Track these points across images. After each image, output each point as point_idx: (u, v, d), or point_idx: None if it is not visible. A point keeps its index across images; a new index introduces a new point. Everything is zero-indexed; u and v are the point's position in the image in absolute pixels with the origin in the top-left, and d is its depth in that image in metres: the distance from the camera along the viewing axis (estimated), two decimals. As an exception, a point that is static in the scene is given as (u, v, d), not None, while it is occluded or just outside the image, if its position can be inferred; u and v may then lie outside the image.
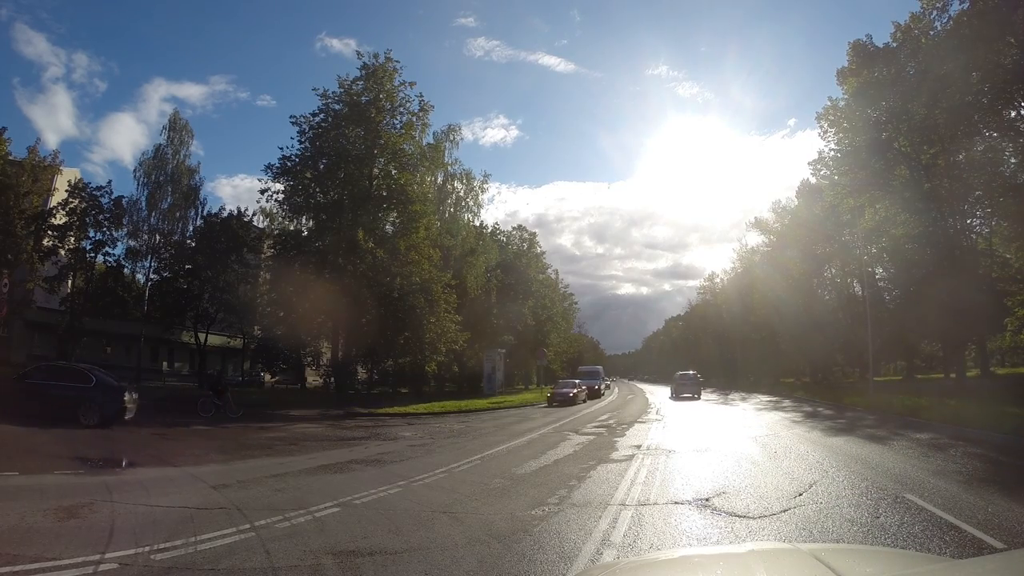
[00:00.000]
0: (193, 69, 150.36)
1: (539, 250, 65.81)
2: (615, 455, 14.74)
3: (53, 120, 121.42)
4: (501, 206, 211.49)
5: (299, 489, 10.20)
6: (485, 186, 48.96)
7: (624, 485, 10.51)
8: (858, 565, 2.47)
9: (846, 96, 36.73)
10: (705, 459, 13.86)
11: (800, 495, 9.51)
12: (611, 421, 26.27)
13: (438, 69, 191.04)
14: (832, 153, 38.94)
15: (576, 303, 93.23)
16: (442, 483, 10.99)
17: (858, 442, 16.91)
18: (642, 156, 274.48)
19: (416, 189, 35.92)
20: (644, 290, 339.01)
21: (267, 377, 47.72)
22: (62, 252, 35.32)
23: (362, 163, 34.05)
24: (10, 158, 33.20)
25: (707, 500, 9.28)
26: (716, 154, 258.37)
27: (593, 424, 24.65)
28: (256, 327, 38.63)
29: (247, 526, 7.49)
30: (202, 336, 40.45)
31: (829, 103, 37.65)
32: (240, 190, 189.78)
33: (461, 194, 47.71)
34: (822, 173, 42.28)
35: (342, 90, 34.19)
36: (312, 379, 44.69)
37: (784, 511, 8.46)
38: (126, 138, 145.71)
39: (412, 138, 36.06)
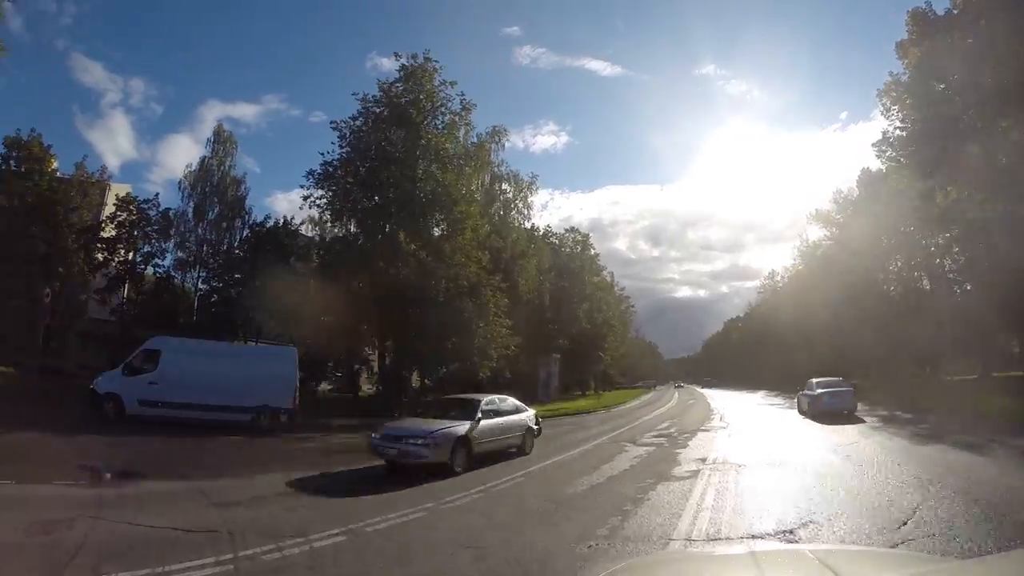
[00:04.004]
0: (246, 89, 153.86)
1: (593, 252, 63.92)
2: (677, 471, 13.03)
3: (113, 143, 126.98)
4: (555, 212, 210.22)
5: (311, 509, 9.16)
6: (534, 187, 47.51)
7: (689, 511, 8.87)
8: (859, 566, 2.54)
9: (907, 70, 34.11)
10: (781, 476, 12.06)
11: (904, 524, 7.78)
12: (672, 430, 24.43)
13: (487, 79, 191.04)
14: (897, 132, 36.21)
15: (633, 306, 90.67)
16: (475, 505, 9.59)
17: (952, 451, 14.84)
18: (693, 156, 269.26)
19: (461, 190, 34.78)
20: (701, 292, 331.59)
21: (322, 385, 47.16)
22: (113, 264, 35.57)
23: (404, 165, 33.04)
24: (57, 175, 33.55)
25: (792, 532, 7.56)
26: (767, 151, 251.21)
27: (652, 433, 22.84)
28: (305, 336, 38.01)
29: (229, 556, 6.60)
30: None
31: (890, 78, 35.07)
32: (296, 204, 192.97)
33: (509, 196, 46.39)
34: (887, 154, 39.51)
35: (382, 93, 33.33)
36: (367, 387, 44.04)
37: (891, 548, 6.71)
38: (183, 158, 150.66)
39: (455, 138, 34.99)
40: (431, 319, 31.00)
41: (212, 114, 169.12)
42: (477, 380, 41.02)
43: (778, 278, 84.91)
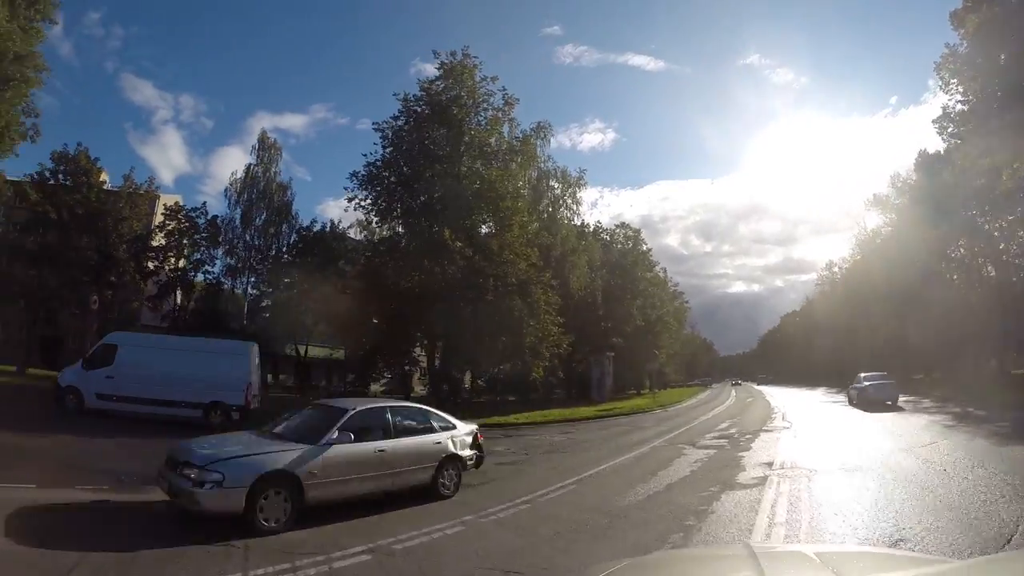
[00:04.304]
0: (293, 100, 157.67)
1: (645, 247, 62.24)
2: (742, 477, 11.91)
3: (166, 158, 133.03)
4: (605, 209, 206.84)
5: (337, 522, 8.39)
6: (582, 182, 46.44)
7: (760, 527, 7.86)
8: (859, 566, 2.62)
9: (964, 40, 32.20)
10: (858, 483, 10.77)
11: (1009, 540, 6.75)
12: (732, 430, 23.10)
13: (530, 80, 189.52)
14: (957, 107, 34.53)
15: (687, 302, 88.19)
16: (519, 519, 8.75)
17: (1041, 452, 13.31)
18: (742, 149, 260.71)
19: (507, 186, 34.09)
20: (756, 287, 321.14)
21: (374, 387, 47.19)
22: (164, 271, 36.60)
23: (448, 162, 32.79)
24: (105, 187, 34.68)
25: (883, 553, 6.48)
26: (817, 141, 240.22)
27: (712, 435, 21.58)
28: (353, 337, 37.94)
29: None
30: (303, 348, 40.38)
31: (947, 50, 33.38)
32: (349, 211, 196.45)
33: (558, 192, 45.43)
34: (948, 131, 37.53)
35: (422, 92, 33.19)
36: (419, 389, 43.76)
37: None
38: (241, 174, 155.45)
39: (499, 133, 34.64)
40: (480, 318, 30.39)
41: (261, 126, 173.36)
42: (531, 379, 40.33)
43: (835, 269, 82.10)
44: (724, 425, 25.63)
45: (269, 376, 47.27)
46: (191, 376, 20.04)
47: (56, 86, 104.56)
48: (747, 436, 20.44)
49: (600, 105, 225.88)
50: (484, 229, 34.84)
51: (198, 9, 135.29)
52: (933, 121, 38.34)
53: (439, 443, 10.53)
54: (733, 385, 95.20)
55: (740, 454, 15.64)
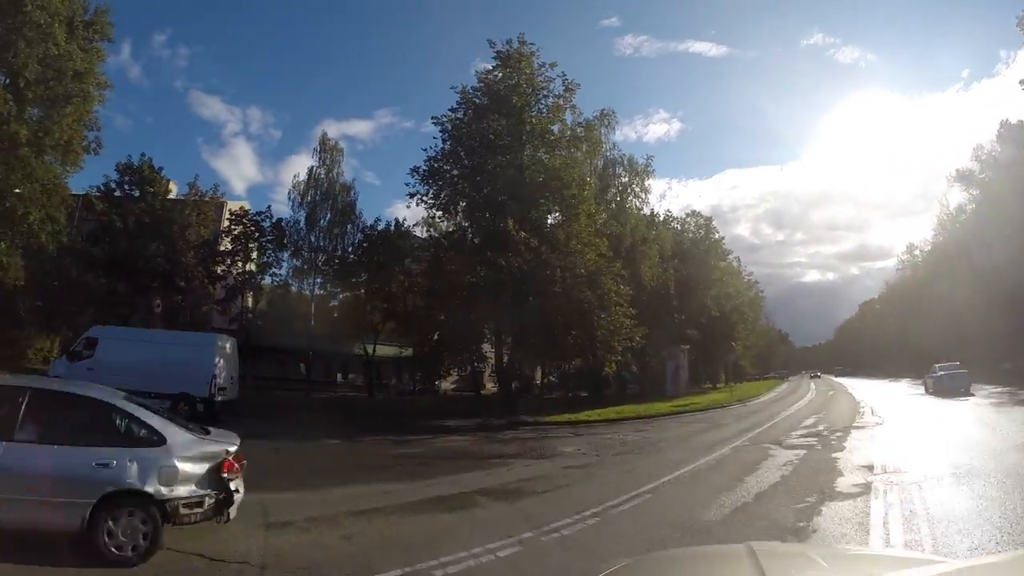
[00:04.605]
0: (358, 107, 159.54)
1: (717, 235, 59.97)
2: (841, 484, 10.39)
3: (237, 169, 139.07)
4: (674, 200, 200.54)
5: (376, 536, 7.55)
6: (649, 170, 45.29)
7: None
8: (859, 566, 2.70)
9: None
10: (977, 491, 9.15)
11: None
12: (820, 427, 21.32)
13: (591, 73, 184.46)
14: None
15: (762, 292, 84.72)
16: (585, 537, 7.62)
17: None
18: (810, 132, 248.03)
19: (572, 174, 32.94)
20: (830, 275, 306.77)
21: (444, 385, 46.97)
22: (231, 275, 37.38)
23: (510, 153, 31.87)
24: (170, 196, 36.00)
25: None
26: (888, 121, 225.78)
27: (798, 432, 19.89)
28: (420, 334, 37.58)
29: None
30: (371, 347, 40.32)
31: None
32: (416, 212, 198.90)
33: (625, 181, 44.36)
34: None
35: (481, 83, 32.24)
36: (491, 386, 43.14)
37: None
38: (304, 177, 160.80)
39: (561, 120, 33.39)
40: (549, 311, 29.34)
41: (328, 132, 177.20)
42: (603, 375, 39.07)
43: (916, 252, 78.38)
44: (810, 421, 23.86)
45: (339, 375, 47.59)
46: (162, 368, 20.82)
47: (128, 107, 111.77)
48: (837, 434, 18.78)
49: (664, 95, 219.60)
50: (550, 220, 33.83)
51: (258, 24, 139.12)
52: (1021, 81, 35.50)
53: (105, 465, 6.04)
54: (811, 377, 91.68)
55: (834, 455, 14.05)
